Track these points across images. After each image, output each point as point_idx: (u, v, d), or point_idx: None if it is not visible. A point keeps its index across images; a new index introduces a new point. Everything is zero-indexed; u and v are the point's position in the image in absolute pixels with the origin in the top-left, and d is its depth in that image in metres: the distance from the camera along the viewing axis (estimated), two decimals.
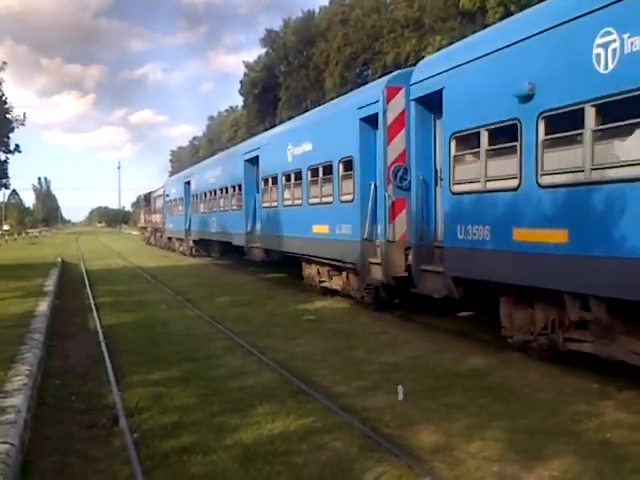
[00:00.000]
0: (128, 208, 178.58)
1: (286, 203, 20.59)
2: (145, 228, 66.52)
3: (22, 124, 35.62)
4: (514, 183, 9.92)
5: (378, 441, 6.68)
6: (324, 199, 17.40)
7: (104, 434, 7.25)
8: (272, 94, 76.63)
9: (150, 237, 61.31)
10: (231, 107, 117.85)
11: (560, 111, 9.01)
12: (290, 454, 6.43)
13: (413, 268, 13.26)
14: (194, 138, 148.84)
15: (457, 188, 11.60)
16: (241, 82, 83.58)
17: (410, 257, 13.49)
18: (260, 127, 70.26)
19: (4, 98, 34.52)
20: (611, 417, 7.46)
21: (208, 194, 34.08)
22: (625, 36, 7.89)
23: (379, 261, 14.38)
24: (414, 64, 14.71)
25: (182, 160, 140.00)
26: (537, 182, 9.42)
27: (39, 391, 8.61)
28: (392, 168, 13.79)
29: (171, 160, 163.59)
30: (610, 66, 8.11)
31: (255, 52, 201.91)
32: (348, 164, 15.86)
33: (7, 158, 35.78)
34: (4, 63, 34.17)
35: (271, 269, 25.01)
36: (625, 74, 7.88)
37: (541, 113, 9.30)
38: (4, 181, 37.31)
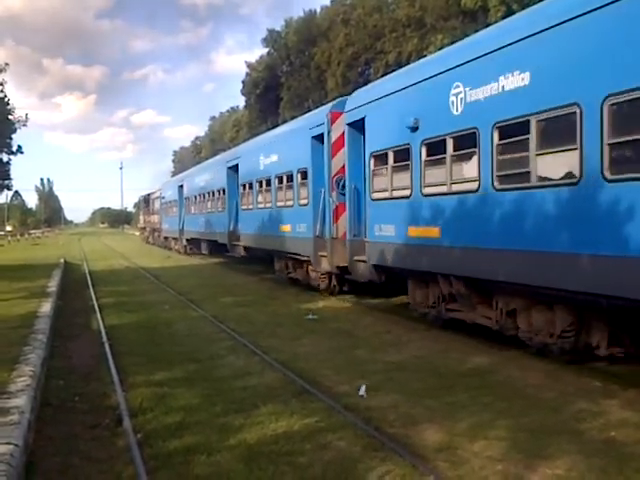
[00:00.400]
0: (130, 209, 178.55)
1: (259, 206, 23.98)
2: (144, 228, 69.86)
3: (24, 125, 35.70)
4: (408, 192, 13.20)
5: (382, 440, 6.68)
6: (287, 202, 20.70)
7: (108, 434, 7.26)
8: (274, 94, 76.66)
9: (149, 237, 64.42)
10: (232, 108, 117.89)
11: (433, 140, 12.29)
12: (294, 454, 6.43)
13: (349, 259, 16.24)
14: (196, 138, 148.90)
15: (375, 195, 14.89)
16: (243, 82, 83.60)
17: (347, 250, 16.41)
18: (262, 127, 70.27)
19: (6, 99, 34.59)
20: (615, 416, 7.44)
21: (198, 197, 37.84)
22: (467, 89, 11.14)
23: (327, 254, 17.33)
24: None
25: (184, 160, 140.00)
26: (421, 192, 12.70)
27: (43, 392, 8.62)
28: (335, 178, 16.98)
29: (173, 160, 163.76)
30: (459, 110, 11.39)
31: (257, 52, 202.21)
32: (304, 174, 18.95)
33: (9, 159, 35.86)
34: (6, 64, 34.25)
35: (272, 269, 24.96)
36: (466, 116, 11.20)
37: (422, 140, 12.59)
38: (7, 182, 37.39)
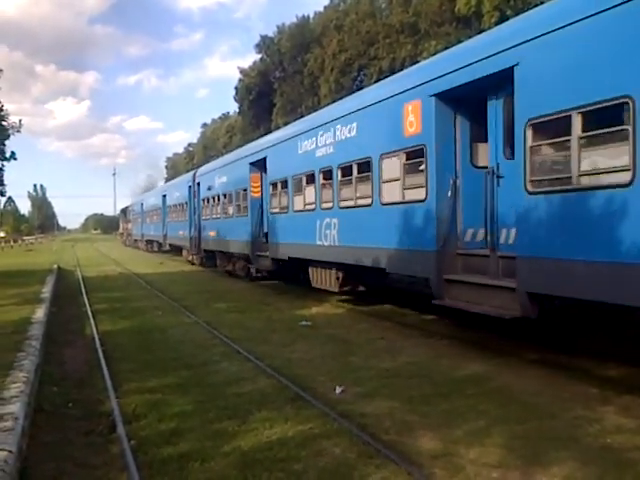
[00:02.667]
0: None
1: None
2: (122, 234, 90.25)
3: (18, 131, 35.55)
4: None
5: (377, 447, 6.65)
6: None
7: (101, 441, 7.23)
8: (267, 100, 76.80)
9: (125, 240, 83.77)
10: (224, 114, 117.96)
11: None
12: (289, 460, 6.40)
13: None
14: (189, 145, 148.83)
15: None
16: (236, 88, 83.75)
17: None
18: (255, 133, 70.35)
19: (0, 105, 34.48)
20: (611, 422, 7.44)
21: (152, 211, 51.45)
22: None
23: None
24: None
25: (177, 167, 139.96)
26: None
27: (36, 398, 8.56)
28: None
29: (166, 167, 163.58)
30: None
31: (250, 58, 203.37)
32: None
33: (3, 165, 35.68)
34: (0, 71, 34.17)
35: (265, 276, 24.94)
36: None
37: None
38: (0, 188, 37.16)
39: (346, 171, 15.51)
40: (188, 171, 51.08)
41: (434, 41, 49.68)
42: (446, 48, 17.66)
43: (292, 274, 21.51)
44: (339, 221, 15.94)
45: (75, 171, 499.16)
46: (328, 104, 24.45)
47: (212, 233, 30.22)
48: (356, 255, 15.02)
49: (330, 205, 16.45)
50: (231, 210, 26.64)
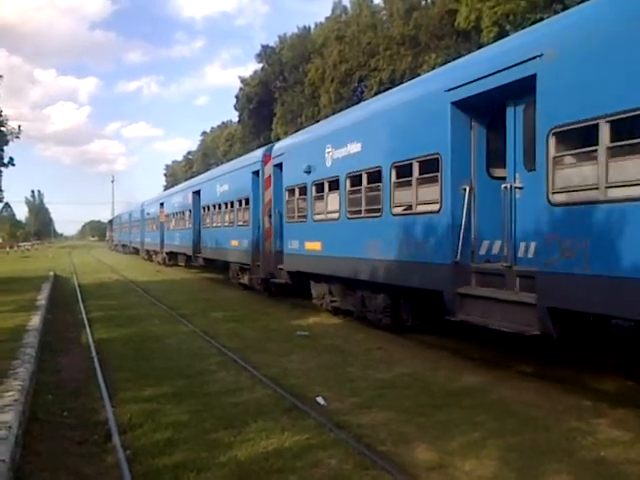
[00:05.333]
0: None
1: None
2: (109, 240, 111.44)
3: (17, 137, 35.53)
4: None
5: (373, 458, 6.64)
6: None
7: (96, 450, 7.20)
8: (267, 109, 76.97)
9: (110, 245, 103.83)
10: (224, 122, 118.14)
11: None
12: (285, 471, 6.39)
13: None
14: (189, 153, 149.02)
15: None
16: (236, 97, 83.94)
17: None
18: (255, 142, 70.53)
19: None
20: (605, 435, 7.44)
21: (130, 222, 67.98)
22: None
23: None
24: (410, 79, 18.81)
25: (177, 174, 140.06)
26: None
27: (31, 406, 8.52)
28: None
29: (165, 174, 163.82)
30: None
31: (251, 67, 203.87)
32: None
33: (0, 171, 35.67)
34: (0, 76, 34.21)
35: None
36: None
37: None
38: None
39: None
40: (187, 179, 54.36)
41: (434, 54, 49.85)
42: (446, 61, 19.21)
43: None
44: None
45: (72, 177, 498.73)
46: (328, 115, 24.42)
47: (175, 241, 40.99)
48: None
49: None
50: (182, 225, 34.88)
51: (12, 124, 35.73)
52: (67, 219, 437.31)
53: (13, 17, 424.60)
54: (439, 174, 11.61)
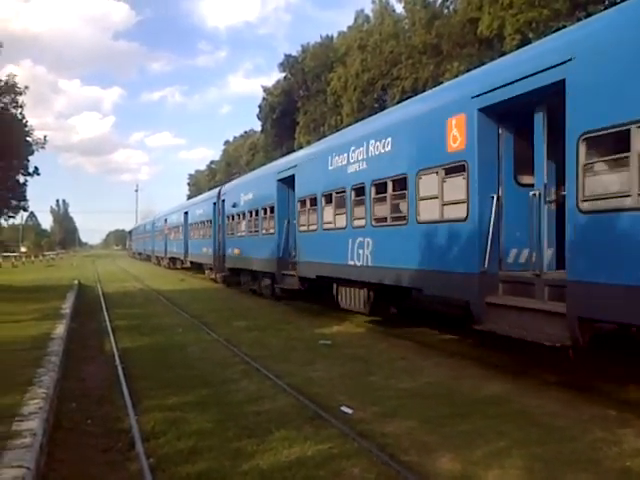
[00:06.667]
0: None
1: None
2: (129, 248, 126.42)
3: (42, 147, 35.98)
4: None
5: (397, 468, 6.60)
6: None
7: (120, 459, 7.22)
8: (290, 118, 77.15)
9: (129, 253, 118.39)
10: (246, 132, 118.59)
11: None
12: None
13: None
14: (211, 162, 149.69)
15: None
16: (259, 106, 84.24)
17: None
18: (278, 151, 70.70)
19: (24, 121, 34.96)
20: (631, 445, 7.34)
21: (147, 232, 76.29)
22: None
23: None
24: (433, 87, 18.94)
25: (200, 184, 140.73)
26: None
27: (55, 414, 8.59)
28: None
29: (189, 184, 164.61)
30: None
31: (274, 76, 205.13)
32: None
33: (26, 180, 36.11)
34: (26, 87, 34.69)
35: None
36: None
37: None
38: (22, 203, 37.61)
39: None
40: (211, 188, 55.34)
41: (456, 62, 49.70)
42: (468, 69, 19.30)
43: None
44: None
45: (97, 186, 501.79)
46: (350, 123, 25.21)
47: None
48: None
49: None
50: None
51: (37, 134, 36.26)
52: (91, 228, 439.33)
53: (37, 27, 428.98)
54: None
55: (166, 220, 57.24)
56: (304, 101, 75.65)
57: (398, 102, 38.11)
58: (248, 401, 9.53)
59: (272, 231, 23.90)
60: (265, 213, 24.80)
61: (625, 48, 8.38)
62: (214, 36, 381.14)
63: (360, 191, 16.09)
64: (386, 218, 14.80)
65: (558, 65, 9.47)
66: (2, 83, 33.46)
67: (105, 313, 21.16)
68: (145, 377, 11.33)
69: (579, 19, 33.10)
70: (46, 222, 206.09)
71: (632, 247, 8.10)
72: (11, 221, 59.10)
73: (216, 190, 35.96)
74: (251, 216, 26.96)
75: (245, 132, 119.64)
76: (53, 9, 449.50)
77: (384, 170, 14.77)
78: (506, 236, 11.51)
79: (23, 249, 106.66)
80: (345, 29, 74.98)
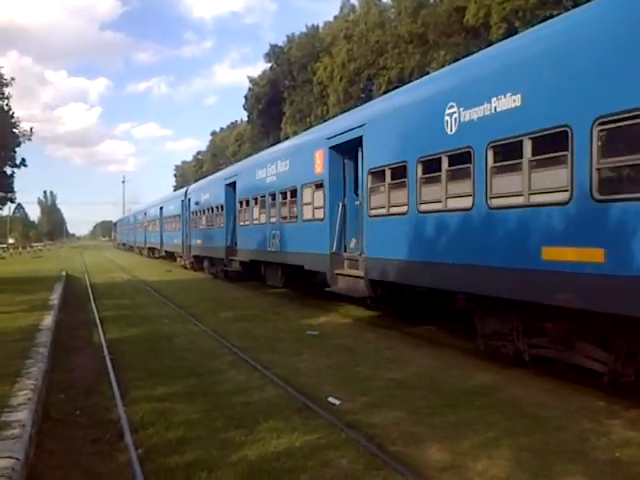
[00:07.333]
0: None
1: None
2: (114, 239, 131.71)
3: (29, 139, 35.74)
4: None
5: (384, 459, 6.63)
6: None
7: (109, 449, 7.23)
8: (276, 109, 77.05)
9: (114, 244, 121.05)
10: (233, 122, 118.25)
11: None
12: (296, 471, 6.38)
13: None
14: (198, 153, 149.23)
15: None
16: (245, 97, 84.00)
17: None
18: (264, 142, 70.59)
19: (11, 113, 34.71)
20: (619, 435, 7.40)
21: (130, 224, 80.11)
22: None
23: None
24: (420, 77, 18.98)
25: (186, 175, 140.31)
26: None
27: (44, 405, 8.58)
28: None
29: (175, 175, 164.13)
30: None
31: (260, 66, 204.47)
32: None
33: (13, 172, 35.87)
34: (12, 79, 34.41)
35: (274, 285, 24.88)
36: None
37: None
38: (10, 195, 37.35)
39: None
40: (197, 179, 55.02)
41: (442, 51, 49.76)
42: (456, 59, 20.27)
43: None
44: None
45: (84, 178, 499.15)
46: (337, 113, 25.86)
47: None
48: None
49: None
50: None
51: (24, 125, 36.01)
52: (79, 219, 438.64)
53: (23, 18, 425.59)
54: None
55: (146, 213, 62.07)
56: (290, 91, 75.52)
57: (384, 92, 38.08)
58: (236, 392, 9.55)
59: (222, 225, 29.53)
60: (218, 210, 30.59)
61: (388, 123, 14.14)
62: (200, 26, 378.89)
63: (273, 196, 22.14)
64: (286, 217, 20.74)
65: (359, 127, 15.61)
66: None
67: (93, 304, 21.15)
68: (133, 368, 11.33)
69: (566, 8, 33.18)
70: (34, 214, 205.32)
71: (390, 236, 13.79)
72: None
73: (184, 190, 42.69)
74: (208, 212, 32.92)
75: (232, 122, 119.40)
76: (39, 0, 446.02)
77: (285, 182, 20.88)
78: (348, 231, 17.19)
79: (11, 240, 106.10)
80: (331, 19, 75.07)
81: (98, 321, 17.07)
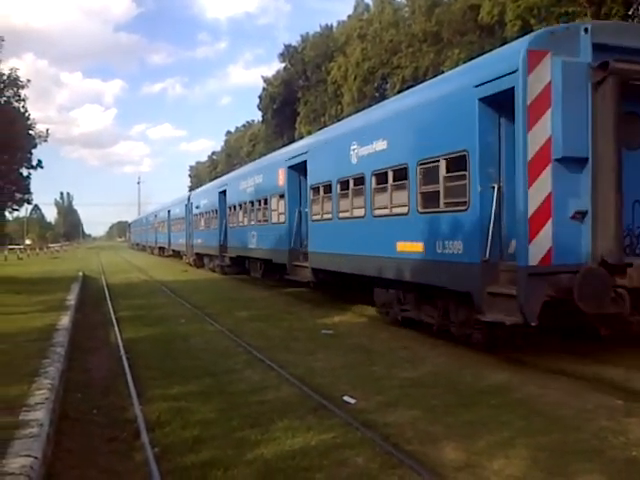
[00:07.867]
0: None
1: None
2: (128, 240, 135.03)
3: (45, 140, 35.96)
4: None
5: (400, 458, 6.62)
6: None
7: (125, 448, 7.28)
8: (291, 109, 77.08)
9: (129, 244, 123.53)
10: (247, 122, 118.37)
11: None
12: (311, 470, 6.40)
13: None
14: (213, 153, 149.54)
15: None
16: (260, 97, 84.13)
17: None
18: (278, 142, 70.63)
19: (27, 114, 34.94)
20: (636, 434, 7.33)
21: (143, 225, 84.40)
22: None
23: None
24: (433, 77, 20.18)
25: (201, 175, 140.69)
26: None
27: (61, 405, 8.63)
28: None
29: (190, 175, 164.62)
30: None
31: (274, 66, 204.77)
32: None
33: (29, 173, 36.12)
34: (28, 81, 34.63)
35: (289, 284, 24.83)
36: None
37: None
38: (27, 196, 37.58)
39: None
40: (212, 179, 57.35)
41: (457, 50, 49.60)
42: (470, 57, 20.85)
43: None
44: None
45: (99, 179, 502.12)
46: (351, 112, 28.09)
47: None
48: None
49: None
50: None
51: (40, 127, 36.23)
52: (95, 220, 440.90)
53: (39, 22, 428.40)
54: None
55: (156, 215, 67.15)
56: (304, 91, 75.56)
57: (399, 91, 38.00)
58: (251, 391, 9.58)
59: (216, 227, 34.31)
60: (213, 214, 35.46)
61: (321, 152, 19.12)
62: (214, 27, 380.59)
63: (252, 204, 26.99)
64: (261, 220, 25.46)
65: (304, 153, 20.40)
66: (4, 77, 33.33)
67: (109, 304, 21.26)
68: (149, 367, 11.39)
69: (581, 5, 33.02)
70: (51, 215, 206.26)
71: (323, 235, 18.56)
72: (15, 214, 58.89)
73: (187, 194, 49.77)
74: (206, 215, 37.93)
75: (247, 122, 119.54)
76: (54, 3, 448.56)
77: (260, 192, 25.76)
78: (303, 231, 21.11)
79: (28, 242, 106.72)
80: (345, 18, 74.98)
81: (115, 321, 17.16)
